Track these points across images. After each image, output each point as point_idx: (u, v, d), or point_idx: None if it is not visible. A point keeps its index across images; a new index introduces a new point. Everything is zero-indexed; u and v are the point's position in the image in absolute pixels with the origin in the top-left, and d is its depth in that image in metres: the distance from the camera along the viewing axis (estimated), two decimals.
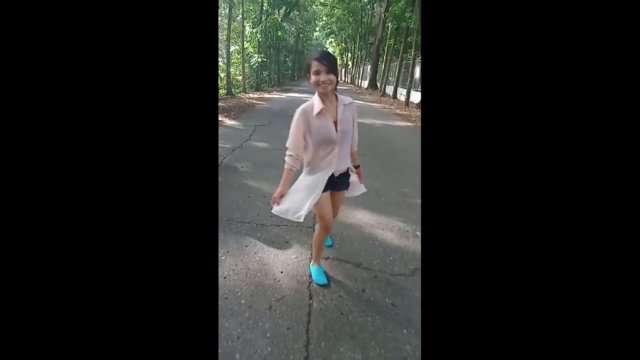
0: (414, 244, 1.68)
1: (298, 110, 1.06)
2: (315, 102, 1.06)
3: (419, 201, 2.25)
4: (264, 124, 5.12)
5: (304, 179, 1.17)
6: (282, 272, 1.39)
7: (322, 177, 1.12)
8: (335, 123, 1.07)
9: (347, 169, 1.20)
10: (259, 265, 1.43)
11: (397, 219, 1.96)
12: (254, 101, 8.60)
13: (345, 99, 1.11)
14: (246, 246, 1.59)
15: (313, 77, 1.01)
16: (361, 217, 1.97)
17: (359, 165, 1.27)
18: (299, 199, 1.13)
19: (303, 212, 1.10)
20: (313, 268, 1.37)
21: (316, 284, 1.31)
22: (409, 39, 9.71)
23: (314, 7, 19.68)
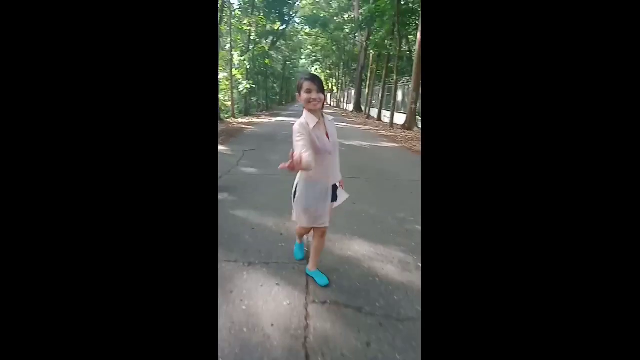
0: (417, 278, 1.53)
1: (297, 124, 1.12)
2: (307, 118, 1.16)
3: (417, 227, 2.14)
4: (253, 148, 5.02)
5: (306, 194, 1.25)
6: (272, 324, 1.19)
7: (326, 187, 1.25)
8: (327, 135, 1.21)
9: (336, 183, 1.31)
10: (245, 317, 1.23)
11: (396, 249, 1.82)
12: (243, 126, 8.57)
13: (328, 116, 1.27)
14: (231, 292, 1.38)
15: (304, 95, 1.12)
16: (358, 249, 1.81)
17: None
18: (316, 208, 1.26)
19: (327, 219, 1.30)
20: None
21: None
22: (390, 64, 10.28)
23: (299, 36, 20.82)
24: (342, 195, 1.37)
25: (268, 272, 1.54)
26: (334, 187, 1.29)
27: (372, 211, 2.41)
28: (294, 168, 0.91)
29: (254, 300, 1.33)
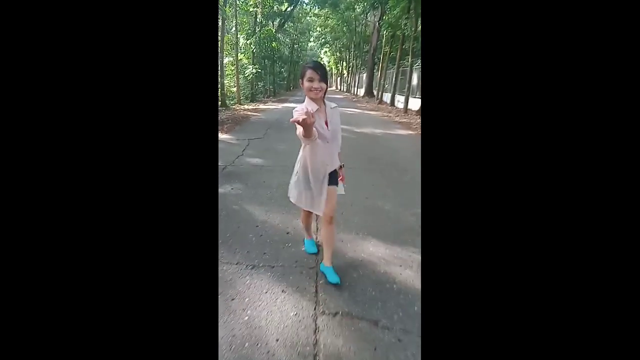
0: None
1: (296, 109, 1.09)
2: (308, 105, 1.17)
3: None
4: (259, 137, 4.84)
5: (305, 179, 1.27)
6: (277, 339, 1.06)
7: (322, 173, 1.26)
8: (326, 123, 1.23)
9: (335, 169, 1.33)
10: (248, 330, 1.10)
11: (415, 251, 1.65)
12: (249, 112, 8.37)
13: (330, 104, 1.27)
14: (232, 299, 1.26)
15: (306, 83, 1.15)
16: (373, 251, 1.65)
17: (342, 165, 1.39)
18: (309, 193, 1.29)
19: (321, 208, 1.28)
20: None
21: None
22: (404, 46, 9.63)
23: (308, 18, 19.90)
24: (339, 189, 1.40)
25: (273, 277, 1.41)
26: (333, 173, 1.31)
27: (387, 207, 2.23)
28: (304, 120, 0.95)
29: (257, 310, 1.20)
